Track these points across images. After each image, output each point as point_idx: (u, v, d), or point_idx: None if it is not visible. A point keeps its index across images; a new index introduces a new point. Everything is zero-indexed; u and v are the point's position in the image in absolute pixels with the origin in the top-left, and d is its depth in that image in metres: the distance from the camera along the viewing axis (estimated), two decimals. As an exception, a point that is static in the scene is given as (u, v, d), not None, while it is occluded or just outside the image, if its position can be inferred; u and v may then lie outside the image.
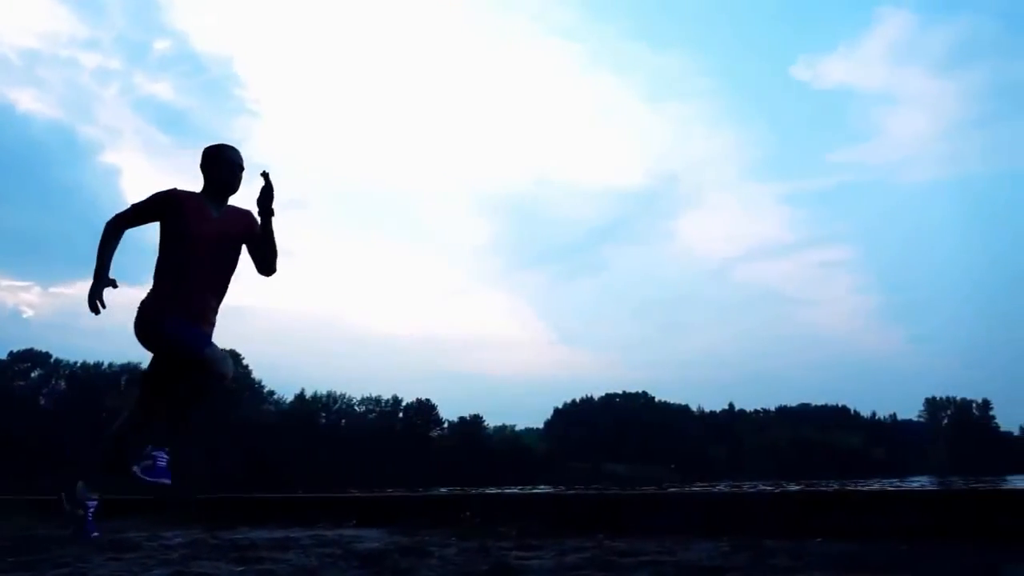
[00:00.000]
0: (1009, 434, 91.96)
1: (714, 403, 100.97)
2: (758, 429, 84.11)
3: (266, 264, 3.31)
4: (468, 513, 2.52)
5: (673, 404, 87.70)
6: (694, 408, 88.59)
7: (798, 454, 74.89)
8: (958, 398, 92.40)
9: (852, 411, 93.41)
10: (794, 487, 4.22)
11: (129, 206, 3.21)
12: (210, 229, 3.20)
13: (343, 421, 79.58)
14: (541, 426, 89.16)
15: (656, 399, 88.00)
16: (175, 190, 3.22)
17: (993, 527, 1.91)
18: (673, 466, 73.49)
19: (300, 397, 77.32)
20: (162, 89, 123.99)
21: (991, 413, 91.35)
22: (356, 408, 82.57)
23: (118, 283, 3.10)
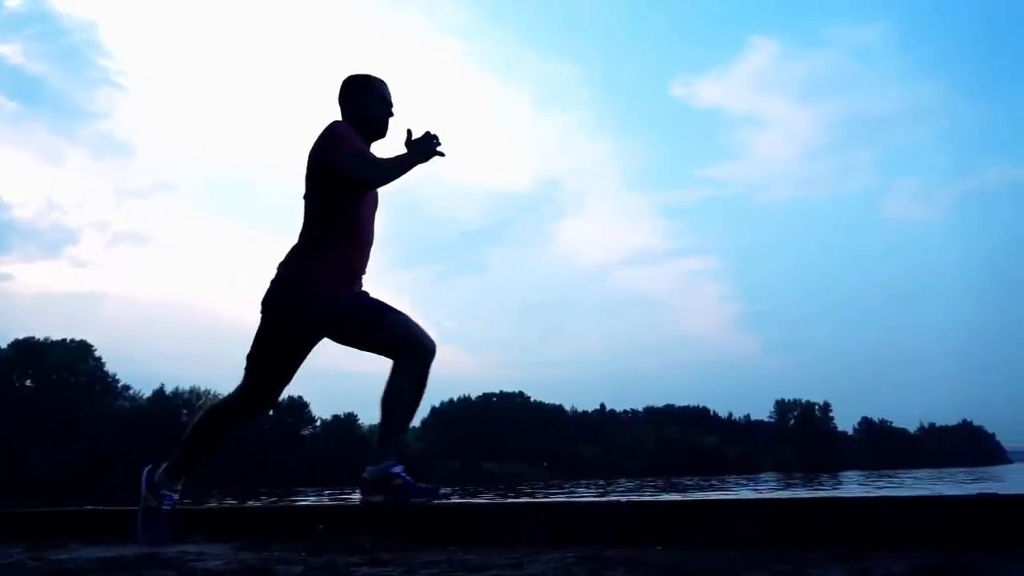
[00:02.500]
0: (844, 433, 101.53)
1: (587, 403, 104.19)
2: (627, 429, 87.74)
3: None
4: (321, 526, 2.46)
5: (548, 404, 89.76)
6: (568, 408, 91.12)
7: (662, 453, 78.82)
8: (803, 400, 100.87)
9: (711, 412, 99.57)
10: (642, 497, 4.45)
11: (349, 150, 2.39)
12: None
13: (207, 419, 75.42)
14: (418, 425, 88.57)
15: (532, 399, 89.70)
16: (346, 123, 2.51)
17: (816, 532, 2.07)
18: (545, 464, 75.20)
19: (160, 393, 72.58)
20: (10, 51, 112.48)
21: (831, 414, 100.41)
22: (222, 405, 78.59)
23: None
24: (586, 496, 14.46)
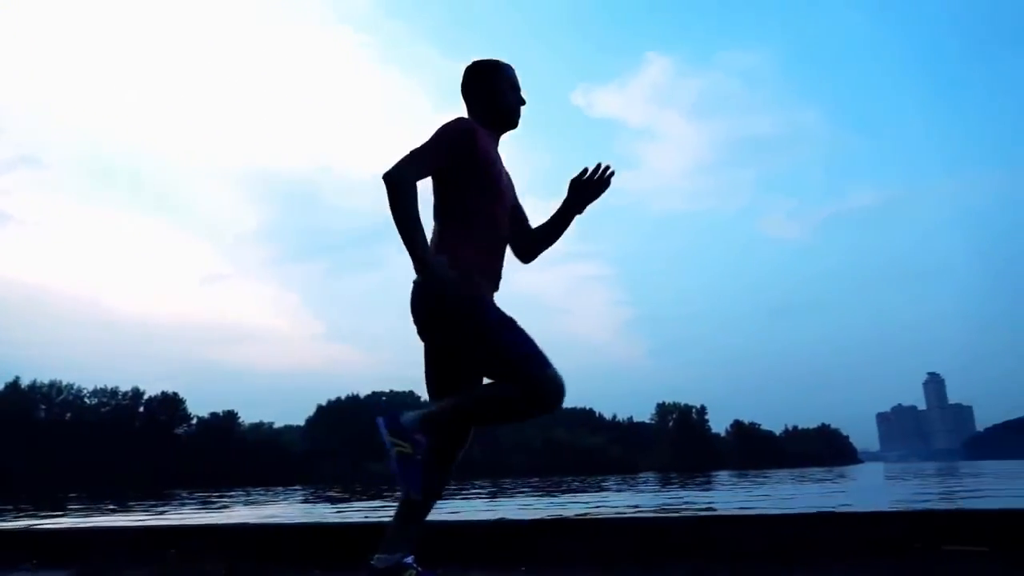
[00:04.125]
0: (718, 435, 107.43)
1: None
2: (515, 429, 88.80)
3: (534, 252, 2.44)
4: (173, 551, 2.32)
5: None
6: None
7: (550, 453, 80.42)
8: (682, 403, 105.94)
9: (597, 413, 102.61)
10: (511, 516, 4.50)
11: (412, 152, 2.11)
12: (506, 178, 2.33)
13: (68, 415, 69.76)
14: (302, 424, 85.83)
15: (422, 398, 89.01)
16: (470, 119, 2.27)
17: (673, 549, 2.16)
18: (433, 465, 74.94)
19: (14, 386, 66.59)
20: None
21: (706, 417, 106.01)
22: (86, 400, 72.99)
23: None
24: (474, 500, 14.52)
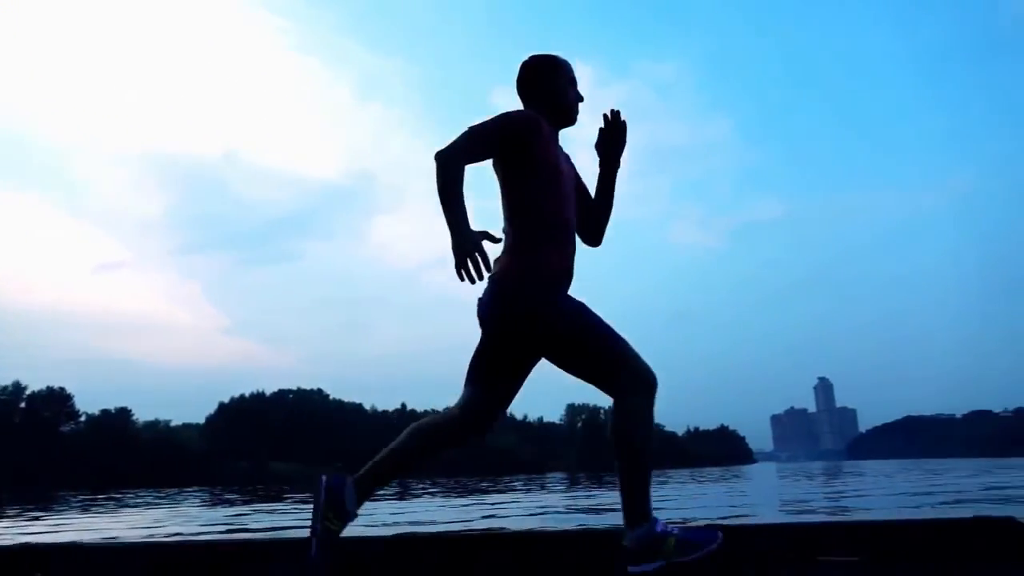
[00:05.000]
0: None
1: (388, 402, 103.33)
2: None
3: (598, 230, 2.39)
4: (38, 574, 2.17)
5: (348, 402, 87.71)
6: (368, 407, 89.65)
7: (460, 453, 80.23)
8: (591, 404, 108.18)
9: (508, 413, 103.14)
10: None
11: (468, 130, 2.04)
12: (570, 170, 2.27)
13: (-64, 411, 64.15)
14: (202, 422, 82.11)
15: (331, 397, 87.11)
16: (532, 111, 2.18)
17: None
18: (340, 465, 73.31)
19: None
20: None
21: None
22: (-42, 395, 67.31)
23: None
24: (380, 503, 14.31)
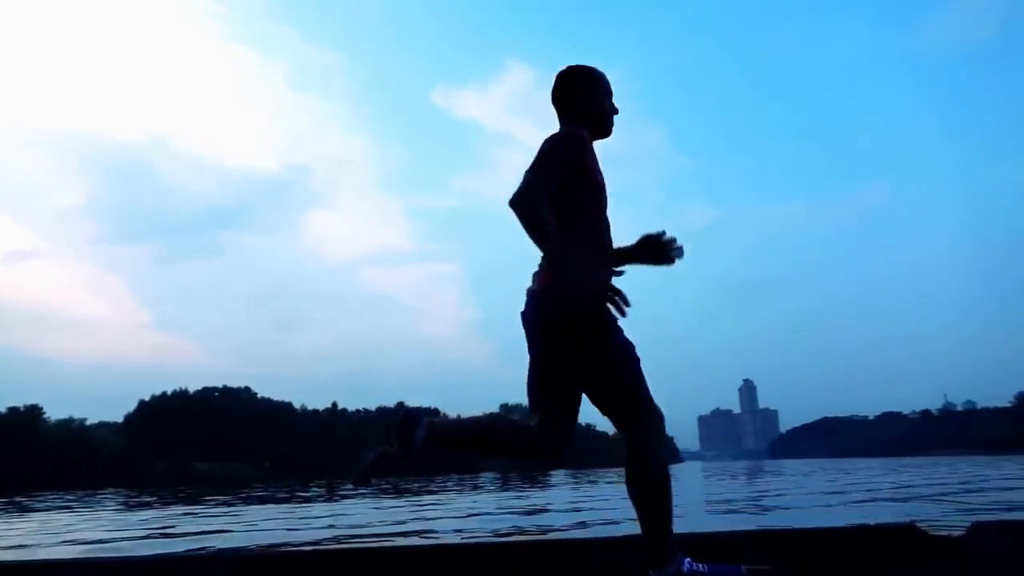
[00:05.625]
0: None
1: (318, 401, 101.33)
2: (357, 429, 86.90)
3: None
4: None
5: (276, 401, 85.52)
6: (297, 406, 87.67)
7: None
8: (525, 404, 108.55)
9: (442, 413, 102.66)
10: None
11: (532, 169, 1.99)
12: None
13: None
14: (120, 420, 78.54)
15: (259, 395, 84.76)
16: (579, 130, 2.12)
17: None
18: (267, 465, 71.41)
19: None
20: None
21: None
22: None
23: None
24: (312, 506, 14.06)
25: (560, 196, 2.07)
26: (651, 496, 1.96)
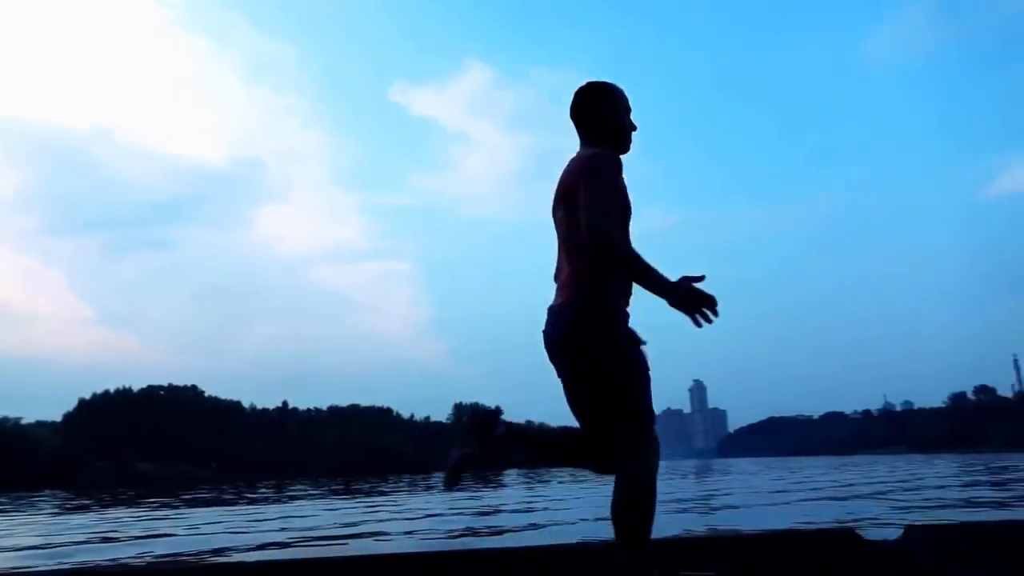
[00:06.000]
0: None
1: (268, 400, 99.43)
2: (308, 428, 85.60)
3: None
4: None
5: (225, 400, 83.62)
6: (247, 405, 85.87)
7: (343, 453, 78.42)
8: (479, 404, 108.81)
9: (395, 412, 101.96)
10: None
11: (596, 206, 1.96)
12: None
13: None
14: (59, 419, 75.69)
15: (207, 394, 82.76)
16: (611, 151, 2.14)
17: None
18: (214, 465, 69.76)
19: None
20: None
21: (502, 418, 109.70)
22: None
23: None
24: (262, 507, 13.78)
25: (575, 216, 2.07)
26: (633, 520, 1.97)
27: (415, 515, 8.89)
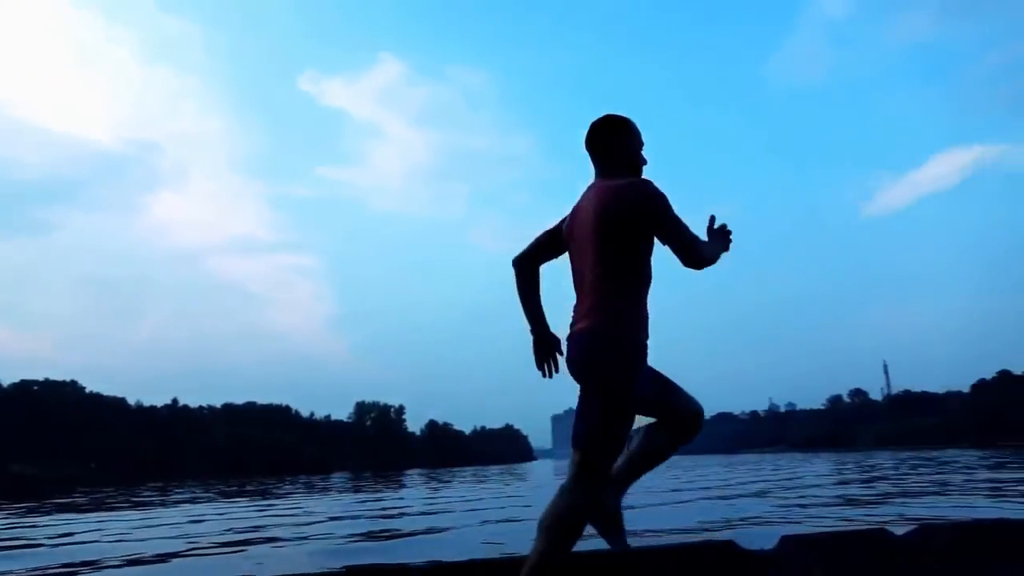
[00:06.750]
0: (413, 434, 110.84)
1: (156, 397, 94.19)
2: (200, 427, 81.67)
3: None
4: None
5: (108, 396, 78.50)
6: (132, 402, 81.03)
7: (237, 452, 75.30)
8: (381, 403, 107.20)
9: (293, 410, 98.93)
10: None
11: (684, 228, 2.17)
12: None
13: None
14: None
15: (88, 390, 77.43)
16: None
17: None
18: (94, 466, 65.39)
19: None
20: None
21: (404, 417, 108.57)
22: None
23: None
24: (145, 511, 13.04)
25: (633, 243, 2.19)
26: (560, 533, 2.06)
27: (317, 517, 8.67)
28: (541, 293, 2.47)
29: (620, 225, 2.15)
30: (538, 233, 2.44)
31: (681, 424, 2.37)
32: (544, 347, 2.40)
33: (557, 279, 2.45)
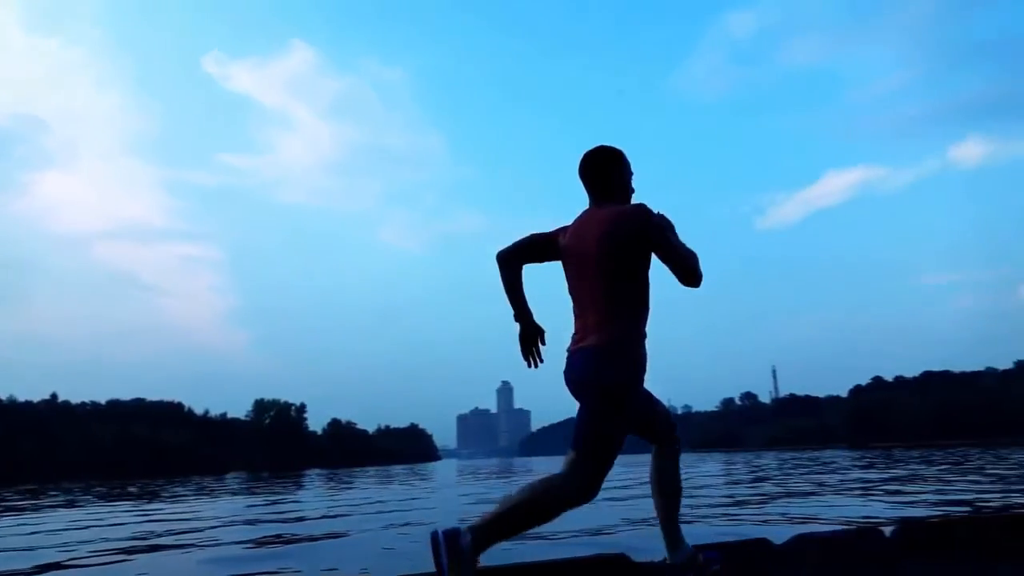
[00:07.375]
0: (315, 433, 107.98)
1: (34, 392, 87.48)
2: (83, 424, 76.47)
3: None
4: None
5: (-25, 390, 72.25)
6: (5, 398, 75.04)
7: (124, 452, 71.01)
8: (282, 401, 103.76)
9: (186, 408, 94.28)
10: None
11: (688, 252, 2.30)
12: None
13: None
14: None
15: (11, 397, 71.12)
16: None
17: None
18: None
19: None
20: None
21: (305, 415, 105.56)
22: None
23: None
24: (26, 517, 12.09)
25: (638, 269, 2.35)
26: (522, 518, 2.22)
27: (209, 523, 8.31)
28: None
29: (626, 248, 2.31)
30: (523, 235, 2.57)
31: (662, 435, 2.54)
32: (530, 337, 2.49)
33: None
